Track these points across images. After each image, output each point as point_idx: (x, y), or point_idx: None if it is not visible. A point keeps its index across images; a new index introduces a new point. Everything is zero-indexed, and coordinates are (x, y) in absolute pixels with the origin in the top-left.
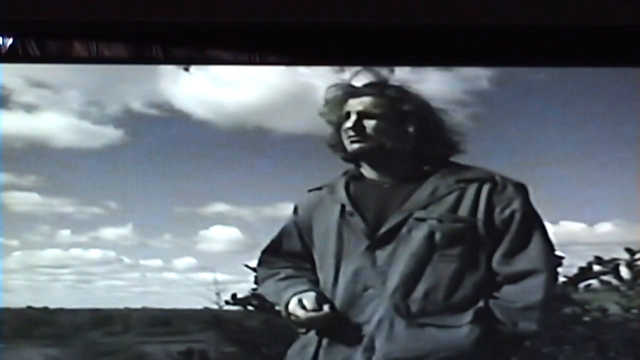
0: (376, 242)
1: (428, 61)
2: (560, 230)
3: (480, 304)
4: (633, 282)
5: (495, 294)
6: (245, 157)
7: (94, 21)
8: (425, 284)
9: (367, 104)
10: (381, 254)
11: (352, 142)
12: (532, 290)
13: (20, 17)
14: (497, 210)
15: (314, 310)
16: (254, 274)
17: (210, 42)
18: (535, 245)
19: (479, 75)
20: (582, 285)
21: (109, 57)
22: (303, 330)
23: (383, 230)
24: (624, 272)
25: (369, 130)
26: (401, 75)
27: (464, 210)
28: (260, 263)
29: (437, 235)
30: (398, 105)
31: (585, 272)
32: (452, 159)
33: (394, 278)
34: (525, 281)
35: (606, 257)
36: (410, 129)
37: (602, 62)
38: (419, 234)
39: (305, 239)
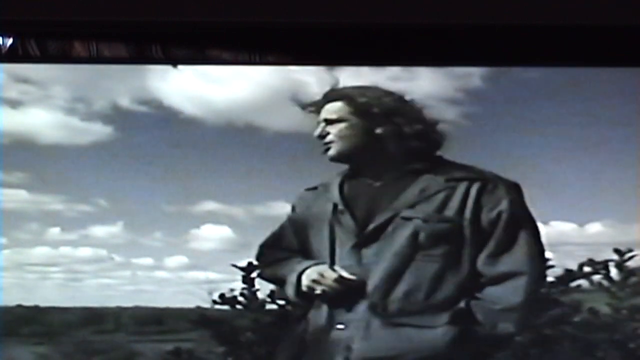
0: (363, 240)
1: (427, 61)
2: (550, 230)
3: (462, 304)
4: (623, 282)
5: (478, 295)
6: (236, 155)
7: (94, 21)
8: (406, 283)
9: (330, 110)
10: (367, 252)
11: (325, 150)
12: (513, 292)
13: (20, 17)
14: (485, 210)
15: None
16: (242, 273)
17: (210, 42)
18: (520, 246)
19: (472, 73)
20: (572, 285)
21: (109, 57)
22: (319, 291)
23: (369, 228)
24: (614, 273)
25: (332, 136)
26: (391, 73)
27: (451, 210)
28: (261, 255)
29: (422, 235)
30: (362, 107)
31: (574, 273)
32: (446, 158)
33: (375, 277)
34: (507, 283)
35: (596, 258)
36: (377, 130)
37: (602, 62)
38: (404, 233)
39: (302, 236)
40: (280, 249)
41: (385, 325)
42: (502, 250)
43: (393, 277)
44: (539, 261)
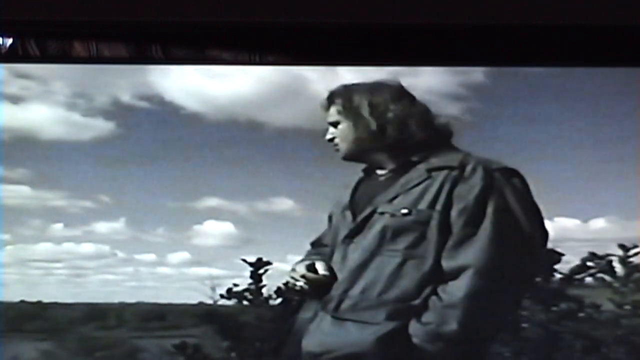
0: (349, 236)
1: (427, 61)
2: (554, 226)
3: (417, 301)
4: (626, 278)
5: (438, 290)
6: (238, 151)
7: (94, 21)
8: (366, 279)
9: (329, 113)
10: (352, 248)
11: (335, 151)
12: (458, 287)
13: (20, 17)
14: (456, 201)
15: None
16: (250, 268)
17: (210, 42)
18: (479, 238)
19: (473, 70)
20: (575, 281)
21: (109, 57)
22: (297, 287)
23: (354, 224)
24: (618, 268)
25: (336, 139)
26: (392, 69)
27: (425, 202)
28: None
29: (388, 230)
30: (350, 108)
31: (580, 269)
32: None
33: (343, 273)
34: (460, 277)
35: (600, 253)
36: (369, 126)
37: (602, 62)
38: (376, 228)
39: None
40: (320, 245)
41: (333, 320)
42: (462, 242)
43: (356, 273)
44: (490, 253)
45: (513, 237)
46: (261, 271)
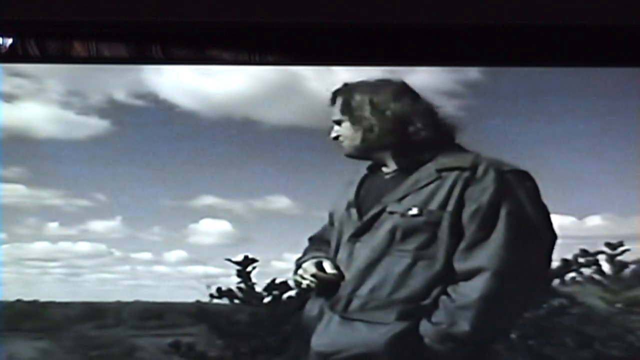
0: (355, 234)
1: (427, 61)
2: None
3: (428, 301)
4: (615, 276)
5: (449, 291)
6: (234, 149)
7: (94, 21)
8: (375, 279)
9: (334, 112)
10: (358, 247)
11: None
12: (473, 288)
13: (20, 17)
14: (468, 202)
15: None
16: (237, 267)
17: (210, 42)
18: (493, 241)
19: (472, 68)
20: (568, 278)
21: (108, 57)
22: (304, 285)
23: (362, 222)
24: (605, 266)
25: (341, 137)
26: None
27: (436, 202)
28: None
29: (398, 230)
30: (352, 106)
31: (566, 265)
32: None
33: (352, 272)
34: (475, 278)
35: (592, 251)
36: (373, 125)
37: (602, 62)
38: (385, 227)
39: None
40: (321, 241)
41: (342, 320)
42: (475, 244)
43: (364, 273)
44: (505, 256)
45: (527, 240)
46: (249, 269)
